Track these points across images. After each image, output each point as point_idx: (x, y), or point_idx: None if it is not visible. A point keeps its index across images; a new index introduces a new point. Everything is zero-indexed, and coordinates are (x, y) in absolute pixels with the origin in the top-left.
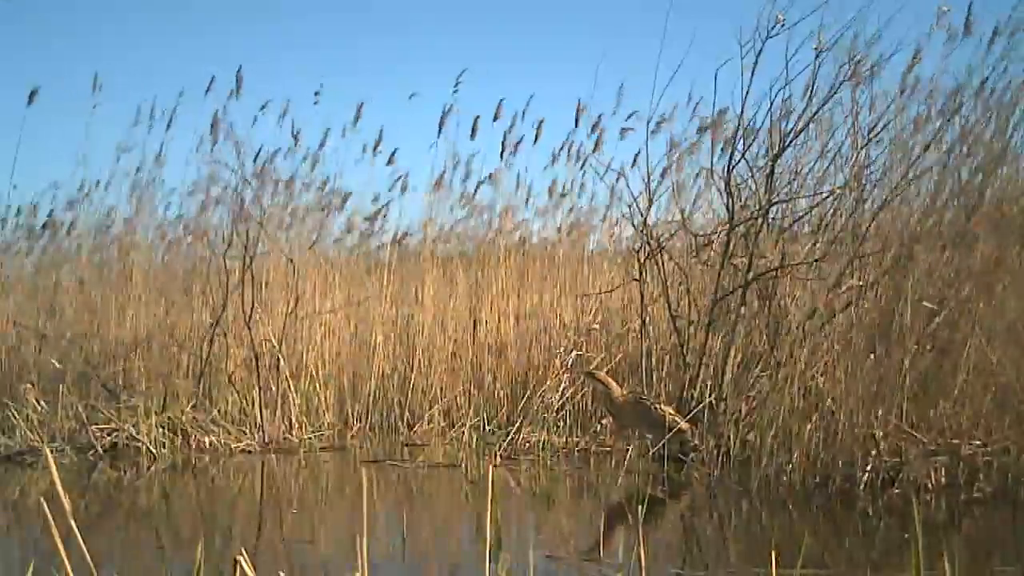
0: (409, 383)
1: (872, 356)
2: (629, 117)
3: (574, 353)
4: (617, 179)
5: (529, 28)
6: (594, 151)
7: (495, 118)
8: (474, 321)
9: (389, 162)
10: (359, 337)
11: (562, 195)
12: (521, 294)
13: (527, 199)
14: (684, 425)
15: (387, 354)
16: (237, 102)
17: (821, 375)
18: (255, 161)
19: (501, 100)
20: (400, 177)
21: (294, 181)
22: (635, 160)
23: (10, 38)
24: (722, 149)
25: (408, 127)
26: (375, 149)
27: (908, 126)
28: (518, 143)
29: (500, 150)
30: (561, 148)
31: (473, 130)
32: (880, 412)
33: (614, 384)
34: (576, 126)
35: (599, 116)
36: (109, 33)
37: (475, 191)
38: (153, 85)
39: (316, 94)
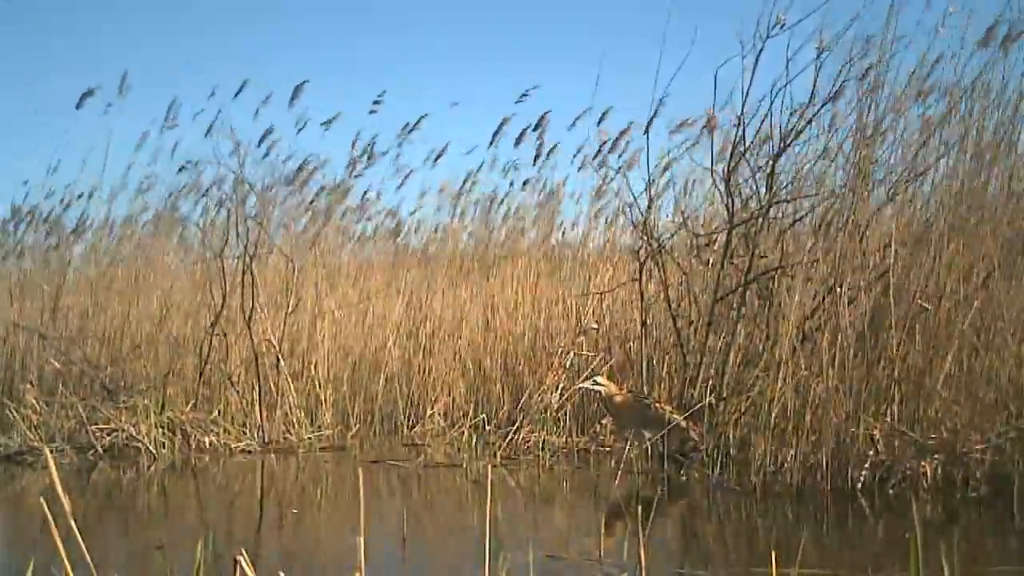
0: (411, 383)
1: (867, 355)
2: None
3: (572, 353)
4: (614, 174)
5: (529, 28)
6: (624, 164)
7: (549, 131)
8: (486, 321)
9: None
10: (363, 337)
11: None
12: (528, 294)
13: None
14: (684, 423)
15: (394, 354)
16: (234, 101)
17: (818, 375)
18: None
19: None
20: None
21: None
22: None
23: (10, 38)
24: (723, 149)
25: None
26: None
27: (910, 125)
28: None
29: (535, 156)
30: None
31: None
32: (876, 411)
33: (612, 385)
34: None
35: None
36: (109, 33)
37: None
38: (152, 85)
39: (376, 103)
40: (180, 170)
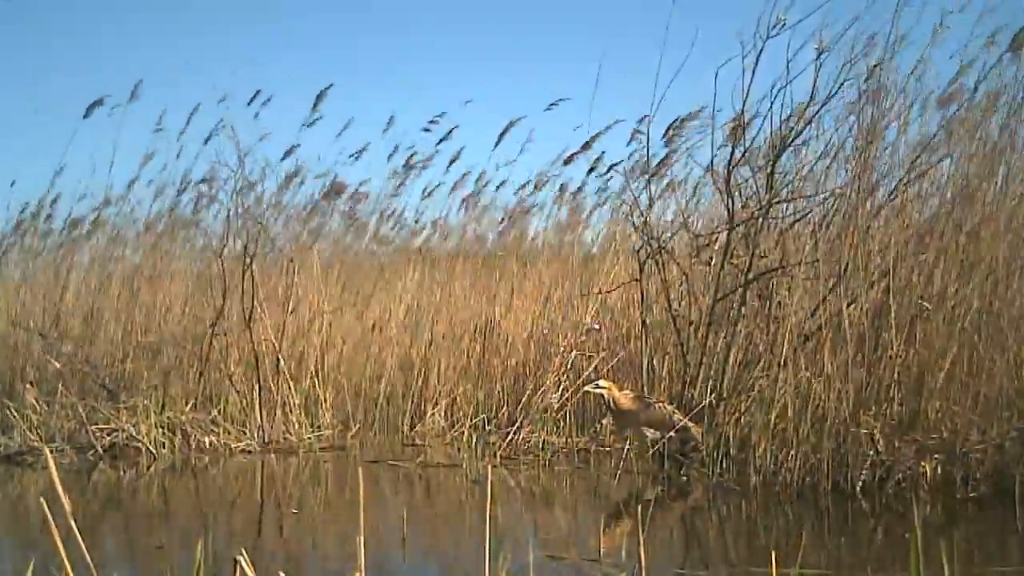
0: (412, 383)
1: (867, 355)
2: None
3: (574, 353)
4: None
5: (529, 28)
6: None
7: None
8: (487, 321)
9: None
10: (364, 336)
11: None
12: (529, 294)
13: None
14: (688, 423)
15: (395, 354)
16: (228, 103)
17: (818, 375)
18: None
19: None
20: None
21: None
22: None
23: (10, 38)
24: (722, 149)
25: (412, 128)
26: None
27: (912, 126)
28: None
29: (588, 169)
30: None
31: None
32: (876, 411)
33: (615, 387)
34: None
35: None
36: (109, 33)
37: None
38: (152, 85)
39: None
40: (182, 189)
